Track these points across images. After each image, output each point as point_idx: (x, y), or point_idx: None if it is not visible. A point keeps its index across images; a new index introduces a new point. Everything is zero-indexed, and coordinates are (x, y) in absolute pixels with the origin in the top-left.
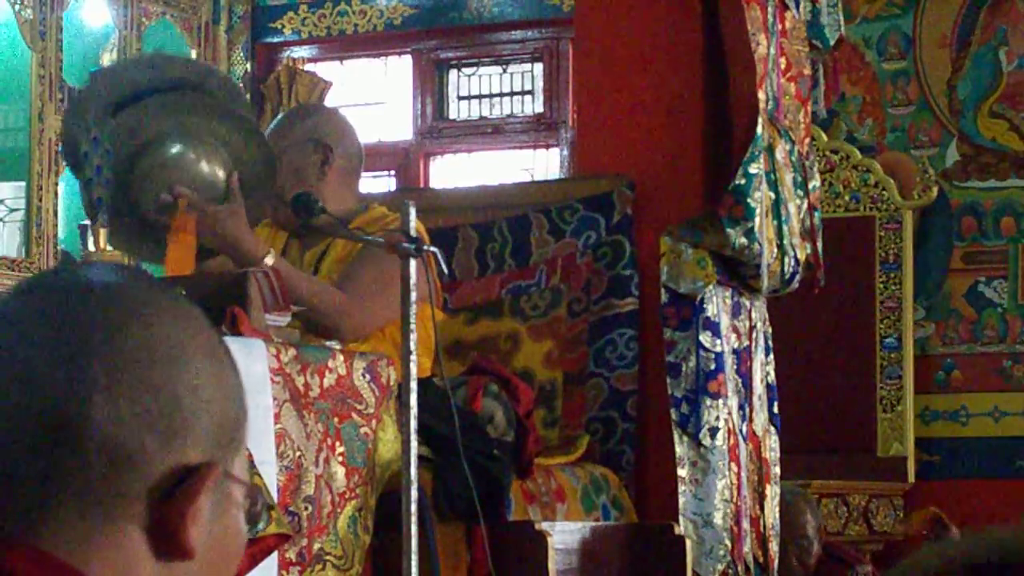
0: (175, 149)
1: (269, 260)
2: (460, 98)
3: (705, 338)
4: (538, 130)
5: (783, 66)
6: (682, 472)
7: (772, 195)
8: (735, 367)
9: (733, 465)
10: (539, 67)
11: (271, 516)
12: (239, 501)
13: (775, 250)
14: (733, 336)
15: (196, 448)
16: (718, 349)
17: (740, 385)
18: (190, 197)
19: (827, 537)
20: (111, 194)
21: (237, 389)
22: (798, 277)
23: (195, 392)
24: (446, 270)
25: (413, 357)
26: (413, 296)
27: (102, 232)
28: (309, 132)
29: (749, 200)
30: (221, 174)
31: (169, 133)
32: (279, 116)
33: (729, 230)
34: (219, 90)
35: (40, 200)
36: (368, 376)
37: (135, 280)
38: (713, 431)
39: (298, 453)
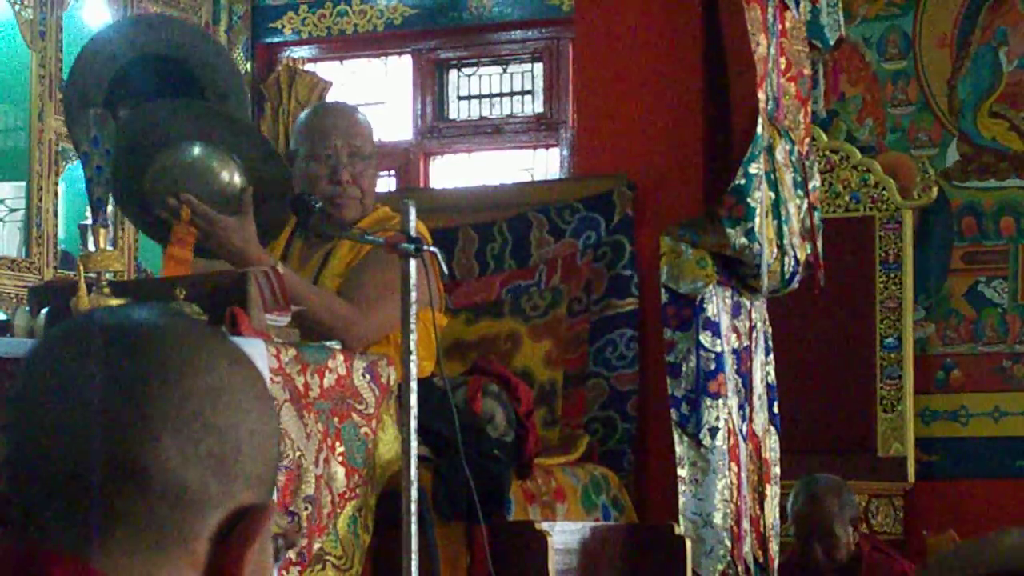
0: (196, 151)
1: None
2: (460, 98)
3: (705, 338)
4: (538, 130)
5: (783, 66)
6: (682, 472)
7: (772, 195)
8: (735, 367)
9: (733, 465)
10: (539, 67)
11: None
12: (270, 539)
13: (775, 250)
14: (733, 336)
15: (250, 490)
16: (718, 349)
17: (740, 385)
18: (195, 205)
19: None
20: (124, 177)
21: (279, 431)
22: (798, 277)
23: (252, 436)
24: (446, 270)
25: (413, 357)
26: (413, 296)
27: (102, 232)
28: None
29: (749, 200)
30: (237, 183)
31: (190, 135)
32: (304, 113)
33: (729, 230)
34: (214, 60)
35: (40, 200)
36: (368, 376)
37: (183, 322)
38: (713, 431)
39: (298, 453)
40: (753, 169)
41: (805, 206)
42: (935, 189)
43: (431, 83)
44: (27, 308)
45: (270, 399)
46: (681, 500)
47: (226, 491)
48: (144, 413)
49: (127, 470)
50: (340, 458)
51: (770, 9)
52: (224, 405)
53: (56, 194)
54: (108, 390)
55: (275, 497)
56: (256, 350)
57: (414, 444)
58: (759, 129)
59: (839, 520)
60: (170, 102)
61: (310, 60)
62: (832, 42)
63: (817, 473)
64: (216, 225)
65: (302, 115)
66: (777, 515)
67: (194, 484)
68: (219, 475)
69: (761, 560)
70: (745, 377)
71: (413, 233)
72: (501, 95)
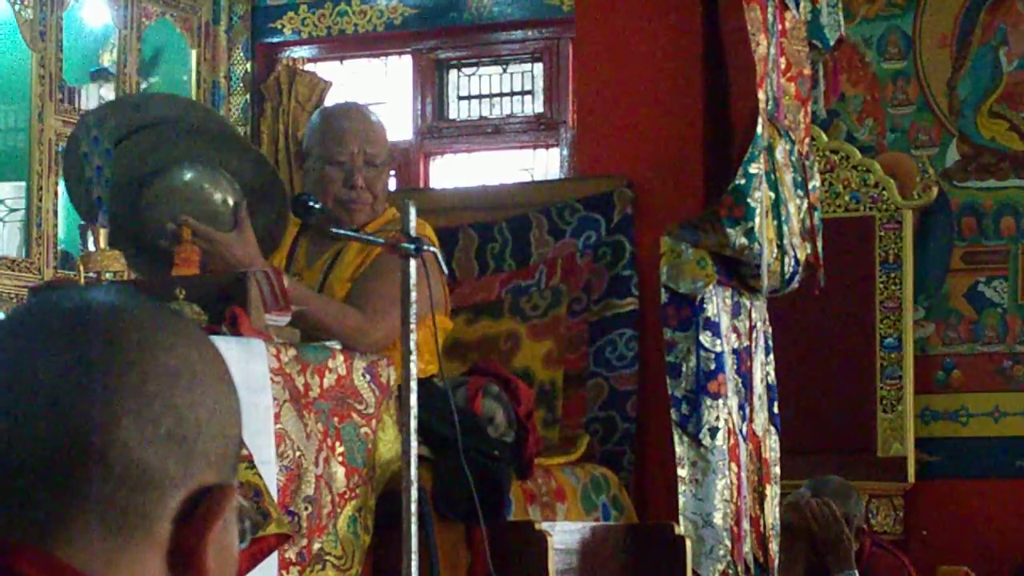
0: (187, 176)
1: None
2: (460, 98)
3: (705, 338)
4: (538, 130)
5: (783, 66)
6: (682, 472)
7: (772, 195)
8: (735, 367)
9: (733, 465)
10: (539, 67)
11: (271, 518)
12: (234, 519)
13: (775, 250)
14: (733, 336)
15: (211, 470)
16: (718, 349)
17: (740, 385)
18: (195, 226)
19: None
20: (116, 213)
21: (239, 410)
22: (798, 277)
23: (212, 416)
24: (446, 270)
25: (413, 357)
26: (413, 296)
27: (102, 232)
28: None
29: (749, 200)
30: (231, 201)
31: (180, 160)
32: (319, 113)
33: (729, 230)
34: (203, 123)
35: (40, 200)
36: (368, 376)
37: (142, 303)
38: (713, 431)
39: (298, 453)
40: (753, 169)
41: (805, 206)
42: (935, 189)
43: (431, 83)
44: None
45: (230, 378)
46: (681, 500)
47: (187, 472)
48: (103, 395)
49: (87, 454)
50: (340, 458)
51: (770, 9)
52: (183, 385)
53: (56, 194)
54: (66, 373)
55: (275, 497)
56: (256, 350)
57: (414, 444)
58: (759, 129)
59: (854, 519)
60: (150, 132)
61: (310, 60)
62: (832, 42)
63: (822, 475)
64: (217, 243)
65: (317, 115)
66: (777, 515)
67: (155, 465)
68: (180, 456)
69: (761, 560)
70: (745, 377)
71: (413, 233)
72: (501, 95)
